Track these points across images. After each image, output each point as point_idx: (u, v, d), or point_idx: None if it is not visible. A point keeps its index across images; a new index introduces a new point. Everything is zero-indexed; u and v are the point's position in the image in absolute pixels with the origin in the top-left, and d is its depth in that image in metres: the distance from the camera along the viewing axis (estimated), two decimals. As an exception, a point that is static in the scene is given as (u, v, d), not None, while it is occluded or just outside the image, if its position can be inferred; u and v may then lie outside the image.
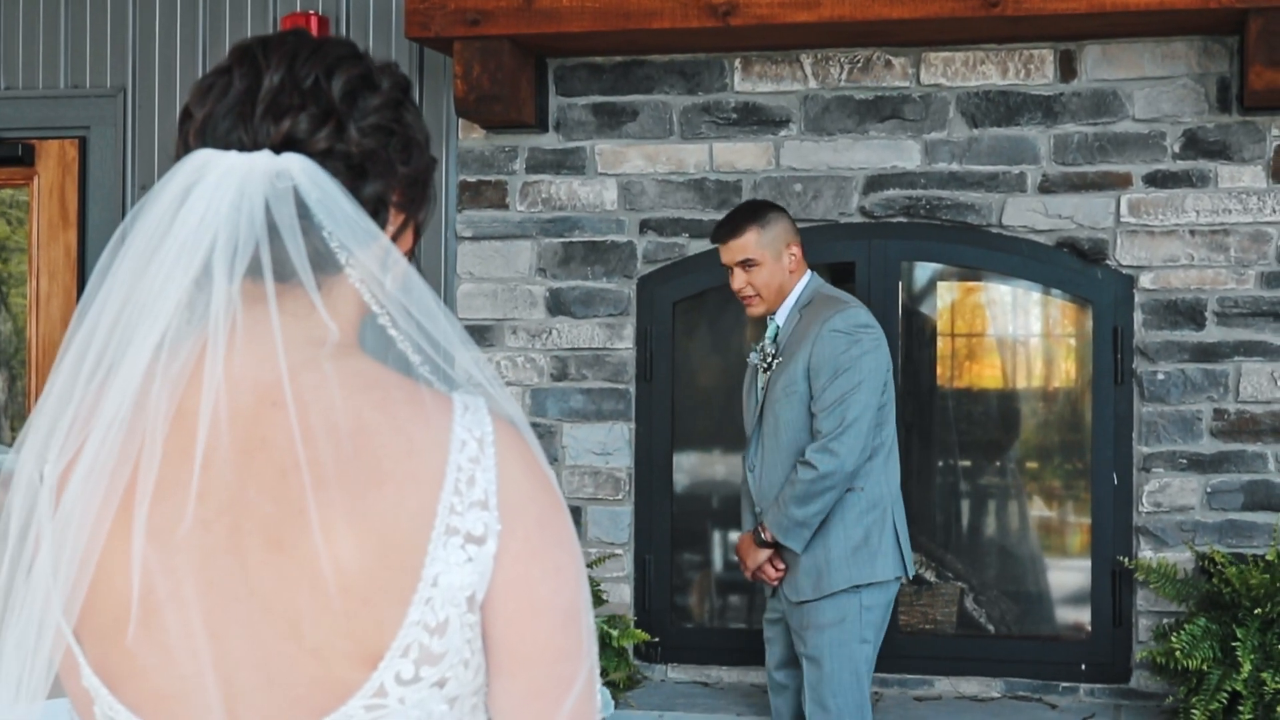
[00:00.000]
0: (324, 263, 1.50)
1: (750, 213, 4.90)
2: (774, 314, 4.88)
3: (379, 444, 1.48)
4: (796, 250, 4.86)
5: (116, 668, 1.52)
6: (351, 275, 1.52)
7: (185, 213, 1.47)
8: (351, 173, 1.53)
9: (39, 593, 1.50)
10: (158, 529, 1.48)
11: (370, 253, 1.52)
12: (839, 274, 5.98)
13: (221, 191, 1.47)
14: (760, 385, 4.88)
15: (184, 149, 1.54)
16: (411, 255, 1.63)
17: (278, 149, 1.50)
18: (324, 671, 1.48)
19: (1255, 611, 5.07)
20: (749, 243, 4.81)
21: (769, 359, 4.83)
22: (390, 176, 1.56)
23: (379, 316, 1.52)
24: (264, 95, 1.51)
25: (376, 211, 1.55)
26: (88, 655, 1.54)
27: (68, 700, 1.62)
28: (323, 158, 1.51)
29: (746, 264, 4.81)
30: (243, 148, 1.50)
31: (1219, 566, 5.30)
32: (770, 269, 4.81)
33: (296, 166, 1.49)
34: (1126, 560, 5.49)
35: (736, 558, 4.94)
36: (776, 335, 4.89)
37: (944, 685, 5.70)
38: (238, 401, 1.49)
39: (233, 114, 1.52)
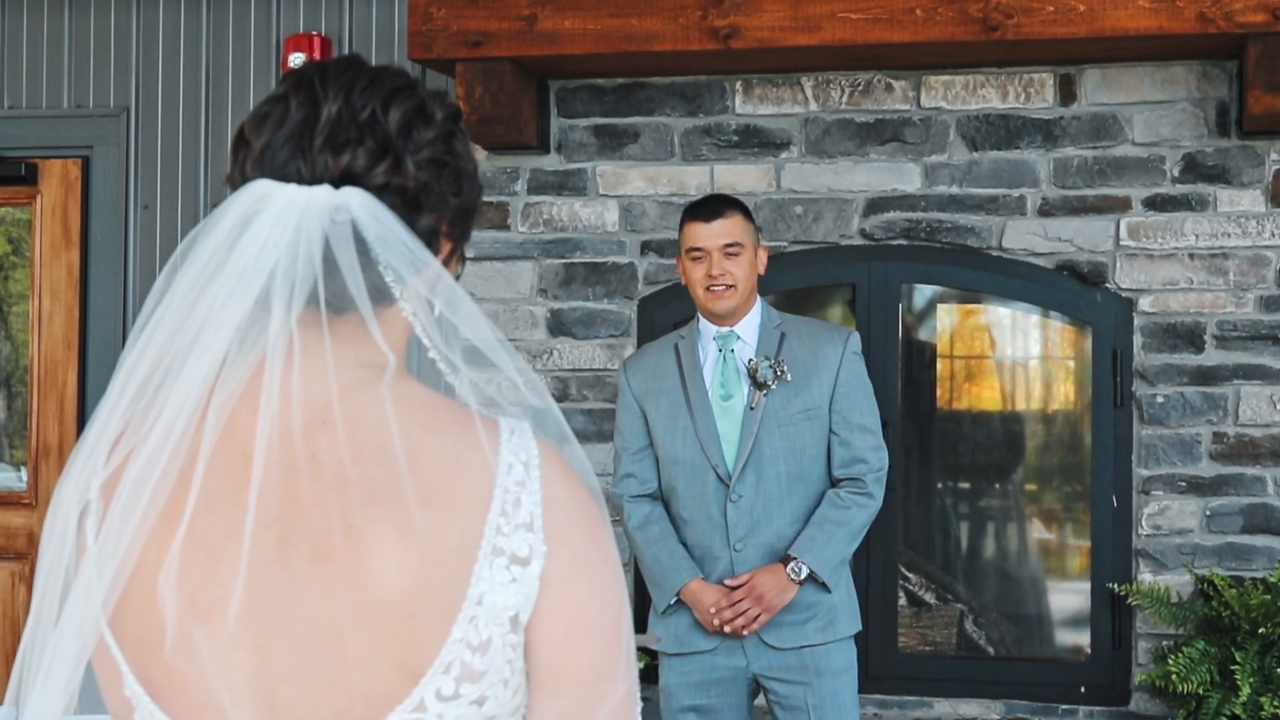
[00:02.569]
0: (380, 295, 1.53)
1: (732, 200, 4.53)
2: (734, 324, 4.43)
3: (428, 464, 1.51)
4: (763, 256, 4.51)
5: (160, 677, 1.55)
6: (405, 308, 1.55)
7: (245, 243, 1.51)
8: (407, 206, 1.56)
9: (81, 603, 1.53)
10: (204, 540, 1.51)
11: (423, 282, 1.55)
12: (838, 297, 5.99)
13: (282, 224, 1.51)
14: (748, 404, 4.38)
15: (240, 177, 1.57)
16: (457, 280, 1.65)
17: (336, 182, 1.53)
18: (365, 685, 1.50)
19: (1256, 634, 5.07)
20: (738, 225, 4.41)
21: (777, 375, 4.36)
22: (443, 208, 1.60)
23: (429, 350, 1.54)
24: (322, 126, 1.54)
25: (429, 242, 1.58)
26: (130, 664, 1.57)
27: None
28: (379, 191, 1.54)
29: (731, 248, 4.38)
30: (300, 179, 1.53)
31: (1218, 589, 5.31)
32: (749, 262, 4.41)
33: (356, 202, 1.52)
34: (1125, 587, 5.49)
35: (721, 602, 4.34)
36: (732, 348, 4.45)
37: (943, 707, 5.70)
38: (290, 420, 1.52)
39: (290, 144, 1.54)
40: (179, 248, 1.56)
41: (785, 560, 4.33)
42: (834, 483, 4.42)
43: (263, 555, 1.50)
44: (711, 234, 4.39)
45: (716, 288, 4.39)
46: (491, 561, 1.51)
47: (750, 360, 4.39)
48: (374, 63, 1.65)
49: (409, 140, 1.57)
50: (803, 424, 4.38)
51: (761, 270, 4.48)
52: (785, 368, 4.35)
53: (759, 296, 4.51)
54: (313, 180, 1.53)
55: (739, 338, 4.45)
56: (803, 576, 4.31)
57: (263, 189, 1.53)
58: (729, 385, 4.44)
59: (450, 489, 1.52)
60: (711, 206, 4.45)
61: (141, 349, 1.54)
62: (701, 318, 4.51)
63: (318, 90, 1.56)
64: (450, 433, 1.55)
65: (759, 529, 4.38)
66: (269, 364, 1.51)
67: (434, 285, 1.57)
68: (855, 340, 4.47)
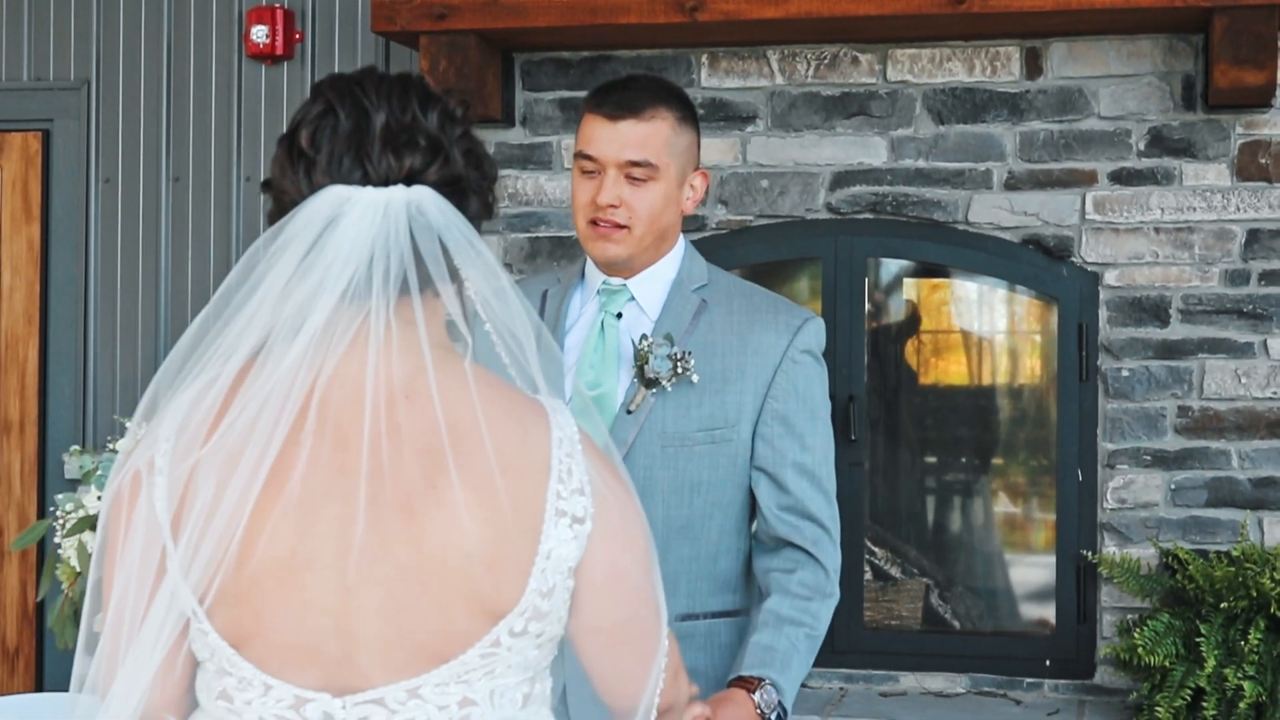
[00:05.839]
0: (450, 278, 1.80)
1: (668, 91, 3.01)
2: (630, 277, 2.98)
3: (499, 436, 1.78)
4: (700, 185, 3.05)
5: (249, 628, 1.77)
6: (469, 288, 1.82)
7: (334, 241, 1.75)
8: (458, 195, 1.83)
9: (172, 577, 1.77)
10: (300, 502, 1.75)
11: (477, 266, 1.81)
12: (804, 271, 5.98)
13: (368, 222, 1.76)
14: (625, 404, 2.89)
15: (306, 184, 1.80)
16: None
17: (402, 181, 1.79)
18: (448, 625, 1.76)
19: (1220, 607, 5.08)
20: (659, 133, 2.92)
21: (677, 371, 2.85)
22: (480, 191, 1.87)
23: (484, 324, 1.82)
24: (378, 133, 1.78)
25: (476, 223, 1.85)
26: (217, 620, 1.78)
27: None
28: (436, 186, 1.80)
29: (639, 169, 2.89)
30: (367, 181, 1.78)
31: (1183, 563, 5.32)
32: (666, 192, 2.93)
33: (427, 198, 1.79)
34: (1091, 555, 5.50)
35: None
36: (618, 313, 3.00)
37: (909, 681, 5.70)
38: (387, 393, 1.77)
39: (352, 151, 1.79)
40: (256, 243, 1.79)
41: (748, 684, 2.75)
42: (764, 543, 2.96)
43: (356, 513, 1.74)
44: (614, 140, 2.88)
45: (602, 223, 2.91)
46: (556, 521, 1.79)
47: (642, 339, 2.89)
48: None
49: (447, 137, 1.82)
50: (702, 448, 2.86)
51: (689, 207, 3.03)
52: (691, 361, 2.86)
53: (683, 239, 3.05)
54: (379, 181, 1.78)
55: (632, 298, 2.97)
56: (773, 713, 2.73)
57: (341, 194, 1.77)
58: (601, 369, 2.93)
59: (519, 459, 1.79)
60: (626, 97, 2.93)
61: (234, 343, 1.76)
62: (590, 258, 3.04)
63: (361, 100, 1.80)
64: (513, 410, 1.82)
65: None
66: (371, 344, 1.77)
67: (486, 271, 1.82)
68: (811, 332, 2.96)
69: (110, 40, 6.27)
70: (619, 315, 2.96)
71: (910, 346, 6.20)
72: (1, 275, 6.33)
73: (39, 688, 6.22)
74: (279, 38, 6.01)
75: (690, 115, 3.00)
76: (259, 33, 6.00)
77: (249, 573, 1.75)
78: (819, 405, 2.93)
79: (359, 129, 1.79)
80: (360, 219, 1.75)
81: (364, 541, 1.74)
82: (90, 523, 2.62)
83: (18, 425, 6.31)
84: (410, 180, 1.79)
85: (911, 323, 6.20)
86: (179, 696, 1.86)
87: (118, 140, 6.25)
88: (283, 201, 1.82)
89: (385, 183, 1.78)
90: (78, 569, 2.75)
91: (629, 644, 1.90)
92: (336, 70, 5.98)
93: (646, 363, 2.84)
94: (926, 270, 6.10)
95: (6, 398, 6.32)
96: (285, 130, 1.86)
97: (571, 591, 1.83)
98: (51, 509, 3.10)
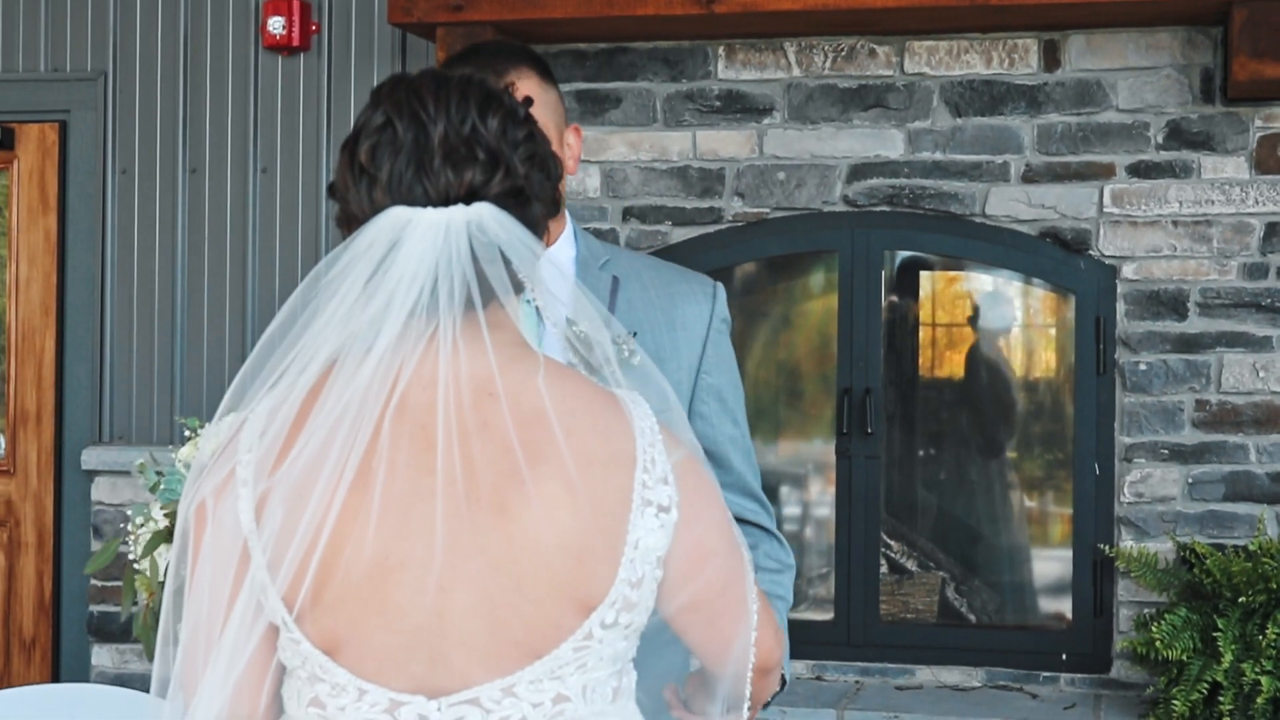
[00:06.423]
0: (514, 287, 1.84)
1: (522, 49, 2.82)
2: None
3: (583, 429, 1.81)
4: (575, 142, 2.81)
5: (342, 633, 1.79)
6: (530, 294, 1.87)
7: (400, 264, 1.79)
8: (520, 203, 1.84)
9: (257, 585, 1.79)
10: (391, 504, 1.77)
11: (539, 273, 1.85)
12: (820, 263, 5.97)
13: (430, 244, 1.79)
14: None
15: (369, 202, 1.82)
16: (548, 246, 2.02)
17: (461, 198, 1.80)
18: (541, 618, 1.77)
19: (1238, 601, 5.07)
20: (527, 93, 2.24)
21: (621, 350, 2.43)
22: (544, 193, 1.88)
23: (551, 326, 1.88)
24: (436, 147, 1.80)
25: (539, 226, 1.88)
26: (308, 628, 1.79)
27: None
28: (497, 198, 1.82)
29: None
30: (428, 199, 1.80)
31: (1200, 557, 5.31)
32: None
33: (487, 215, 1.81)
34: (1108, 549, 5.49)
35: None
36: (530, 299, 2.53)
37: (925, 675, 5.70)
38: (459, 394, 1.79)
39: (411, 168, 1.80)
40: (318, 267, 1.82)
41: None
42: None
43: (447, 510, 1.76)
44: None
45: None
46: (643, 511, 1.80)
47: (576, 326, 2.30)
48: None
49: (508, 143, 1.83)
50: None
51: (572, 167, 2.76)
52: (635, 345, 2.55)
53: (569, 216, 2.80)
54: (439, 198, 1.80)
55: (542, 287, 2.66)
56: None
57: (403, 216, 1.80)
58: None
59: (604, 451, 1.81)
60: (483, 62, 2.67)
61: (305, 361, 1.81)
62: None
63: (418, 111, 1.81)
64: (593, 404, 1.84)
65: None
66: (441, 352, 1.79)
67: (553, 275, 1.88)
68: (723, 299, 2.84)
69: (127, 31, 6.27)
70: (530, 302, 2.48)
71: (926, 339, 6.19)
72: (19, 266, 6.34)
73: (55, 678, 6.24)
74: (296, 29, 6.01)
75: (548, 71, 2.79)
76: (276, 24, 6.01)
77: (339, 578, 1.77)
78: (738, 376, 2.82)
79: (417, 143, 1.80)
80: (421, 241, 1.79)
81: (455, 539, 1.76)
82: (163, 537, 2.60)
83: (34, 416, 6.33)
84: (471, 195, 1.81)
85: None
86: (264, 708, 1.87)
87: (135, 131, 6.25)
88: (348, 210, 1.85)
89: (445, 199, 1.80)
90: (158, 579, 2.73)
91: (724, 615, 1.92)
92: (353, 62, 5.99)
93: (591, 350, 2.38)
94: (943, 263, 6.08)
95: (24, 389, 6.33)
96: (347, 137, 1.87)
97: (660, 581, 1.84)
98: (122, 525, 3.10)
